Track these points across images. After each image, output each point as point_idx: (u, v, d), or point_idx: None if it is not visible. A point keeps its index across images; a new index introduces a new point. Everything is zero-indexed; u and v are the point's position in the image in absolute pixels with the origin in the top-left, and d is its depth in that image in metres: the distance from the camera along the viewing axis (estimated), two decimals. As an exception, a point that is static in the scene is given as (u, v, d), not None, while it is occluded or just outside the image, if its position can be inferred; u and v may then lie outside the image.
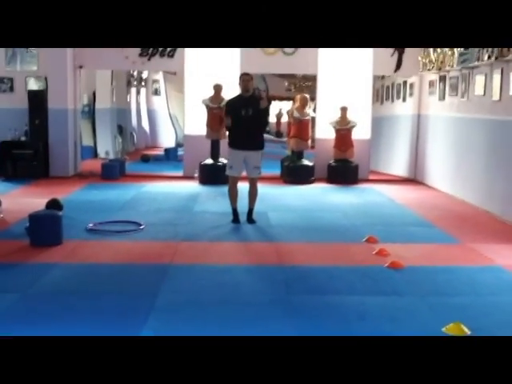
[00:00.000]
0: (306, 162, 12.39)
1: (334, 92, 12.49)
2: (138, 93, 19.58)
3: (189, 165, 12.35)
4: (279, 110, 26.05)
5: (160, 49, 12.19)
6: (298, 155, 12.32)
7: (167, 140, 19.86)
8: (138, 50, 12.19)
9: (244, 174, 8.23)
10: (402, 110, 13.59)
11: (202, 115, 11.82)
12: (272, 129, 27.23)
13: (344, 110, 12.20)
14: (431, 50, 11.21)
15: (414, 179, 12.74)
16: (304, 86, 23.28)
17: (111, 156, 15.24)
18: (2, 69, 12.12)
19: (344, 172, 12.22)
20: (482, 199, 9.45)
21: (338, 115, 12.27)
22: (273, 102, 25.42)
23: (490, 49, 8.75)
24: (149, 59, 12.28)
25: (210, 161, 11.79)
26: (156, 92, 20.70)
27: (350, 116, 12.25)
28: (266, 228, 7.93)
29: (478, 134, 9.66)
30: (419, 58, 11.86)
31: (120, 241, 7.18)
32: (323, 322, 4.68)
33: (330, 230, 7.93)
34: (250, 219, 8.13)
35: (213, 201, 9.84)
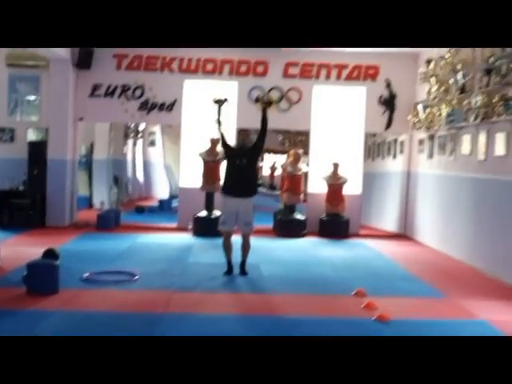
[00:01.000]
0: (298, 215, 12.63)
1: (327, 148, 12.87)
2: (135, 144, 19.94)
3: (183, 216, 12.57)
4: (273, 164, 26.40)
5: (159, 103, 12.56)
6: (291, 209, 12.57)
7: (161, 191, 20.08)
8: (137, 104, 12.56)
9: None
10: (393, 166, 13.92)
11: (198, 168, 12.11)
12: (265, 181, 27.54)
13: (336, 165, 12.53)
14: (421, 110, 11.59)
15: (403, 234, 12.97)
16: (298, 140, 23.68)
17: (106, 206, 15.44)
18: (4, 119, 12.44)
19: (335, 226, 12.45)
20: (468, 255, 9.68)
21: (330, 170, 12.58)
22: (266, 155, 25.76)
23: (476, 110, 9.11)
24: (148, 113, 12.63)
25: (204, 213, 12.01)
26: (152, 143, 21.02)
27: (341, 172, 12.57)
28: (257, 280, 8.11)
29: (465, 191, 9.94)
30: (409, 117, 12.25)
31: (115, 290, 7.35)
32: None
33: (320, 283, 8.12)
34: (243, 271, 8.31)
35: (206, 252, 10.03)
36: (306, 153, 15.02)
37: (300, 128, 15.58)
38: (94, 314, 6.31)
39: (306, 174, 13.36)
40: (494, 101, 8.64)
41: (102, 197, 16.02)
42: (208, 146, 12.06)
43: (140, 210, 16.36)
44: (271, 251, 10.27)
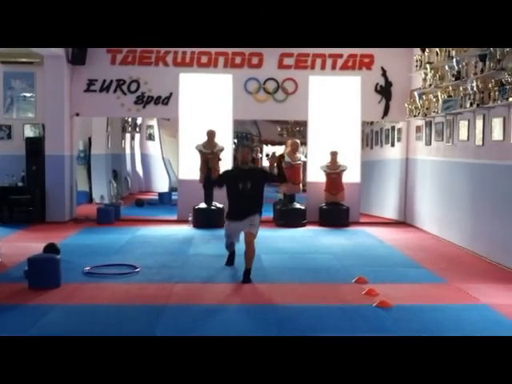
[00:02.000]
0: (297, 205, 12.66)
1: (324, 137, 12.87)
2: (133, 138, 19.94)
3: (183, 209, 12.58)
4: (272, 154, 26.37)
5: (155, 96, 12.56)
6: (290, 199, 12.59)
7: (161, 184, 20.10)
8: (133, 98, 12.55)
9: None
10: (391, 154, 13.94)
11: (196, 160, 12.12)
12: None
13: (334, 154, 12.53)
14: (417, 96, 11.59)
15: (403, 221, 13.00)
16: (296, 130, 23.63)
17: (106, 201, 15.46)
18: (0, 116, 12.43)
19: (335, 215, 12.47)
20: (468, 240, 9.72)
21: (328, 159, 12.60)
22: (265, 147, 25.74)
23: (472, 96, 9.12)
24: (144, 107, 12.63)
25: (203, 205, 12.03)
26: (150, 137, 21.02)
27: (340, 160, 12.58)
28: (258, 269, 8.12)
29: (464, 177, 9.97)
30: (406, 105, 12.25)
31: (117, 283, 7.38)
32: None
33: (321, 271, 8.15)
34: (247, 279, 7.46)
35: (206, 244, 10.06)
36: (305, 143, 15.04)
37: (297, 118, 15.65)
38: (96, 307, 6.35)
39: (304, 164, 13.36)
40: (489, 86, 8.65)
41: (102, 191, 16.04)
42: (205, 138, 12.07)
43: (140, 204, 16.38)
44: (272, 241, 10.29)
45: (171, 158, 19.79)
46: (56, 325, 5.72)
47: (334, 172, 12.55)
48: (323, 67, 12.68)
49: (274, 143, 25.64)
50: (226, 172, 8.45)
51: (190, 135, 12.64)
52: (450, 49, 10.01)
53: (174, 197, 15.85)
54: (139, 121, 19.80)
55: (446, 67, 10.25)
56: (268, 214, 12.86)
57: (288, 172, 12.57)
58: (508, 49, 8.16)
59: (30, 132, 12.54)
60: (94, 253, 9.13)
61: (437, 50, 10.64)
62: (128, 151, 19.38)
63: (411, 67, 12.33)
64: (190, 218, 12.11)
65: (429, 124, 11.57)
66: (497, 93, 8.39)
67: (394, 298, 6.63)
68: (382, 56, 12.59)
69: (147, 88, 12.56)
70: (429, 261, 8.87)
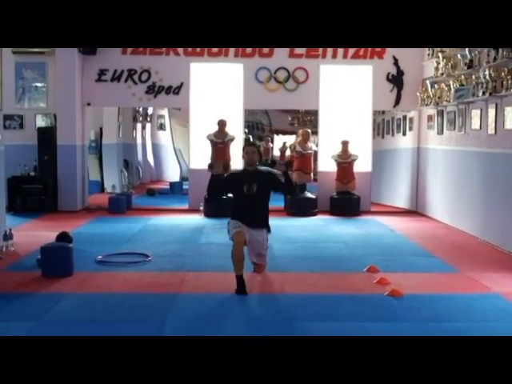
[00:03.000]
0: (308, 194, 12.67)
1: (335, 127, 12.85)
2: (144, 128, 19.97)
3: (194, 198, 12.61)
4: (283, 144, 26.36)
5: (166, 86, 12.56)
6: (301, 188, 12.59)
7: (172, 174, 20.15)
8: (144, 88, 12.57)
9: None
10: (403, 143, 13.88)
11: (207, 150, 12.14)
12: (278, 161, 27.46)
13: (345, 143, 12.51)
14: (429, 85, 11.54)
15: (415, 211, 12.96)
16: (307, 120, 23.59)
17: (118, 190, 15.53)
18: (12, 106, 12.46)
19: (346, 204, 12.47)
20: (480, 230, 9.68)
21: (339, 149, 12.57)
22: (276, 136, 25.72)
23: (484, 85, 9.07)
24: (155, 96, 12.64)
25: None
26: (161, 127, 21.05)
27: (351, 149, 12.56)
28: (270, 258, 8.08)
29: (476, 166, 9.92)
30: (418, 94, 12.19)
31: (129, 271, 7.42)
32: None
33: (332, 260, 8.16)
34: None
35: (218, 232, 10.07)
36: (316, 132, 15.01)
37: (308, 107, 15.62)
38: (109, 295, 6.39)
39: (315, 153, 13.35)
40: (502, 75, 8.59)
41: (113, 181, 16.11)
42: (216, 127, 12.08)
43: (151, 193, 16.43)
44: (283, 230, 10.28)
45: (182, 148, 19.82)
46: (69, 312, 5.77)
47: (345, 161, 12.54)
48: (334, 56, 12.64)
49: (284, 133, 25.60)
50: (232, 174, 8.12)
51: (200, 125, 12.65)
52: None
53: (185, 186, 15.88)
54: (150, 110, 19.81)
55: (459, 56, 10.19)
56: (279, 203, 12.90)
57: (299, 161, 12.65)
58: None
59: (41, 122, 12.58)
60: (105, 242, 9.18)
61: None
62: (139, 141, 19.42)
63: (423, 56, 12.26)
64: (202, 207, 12.13)
65: (441, 113, 11.51)
66: (510, 81, 8.33)
67: (405, 287, 6.62)
68: (394, 44, 12.50)
69: (158, 78, 12.57)
70: (440, 250, 8.84)
